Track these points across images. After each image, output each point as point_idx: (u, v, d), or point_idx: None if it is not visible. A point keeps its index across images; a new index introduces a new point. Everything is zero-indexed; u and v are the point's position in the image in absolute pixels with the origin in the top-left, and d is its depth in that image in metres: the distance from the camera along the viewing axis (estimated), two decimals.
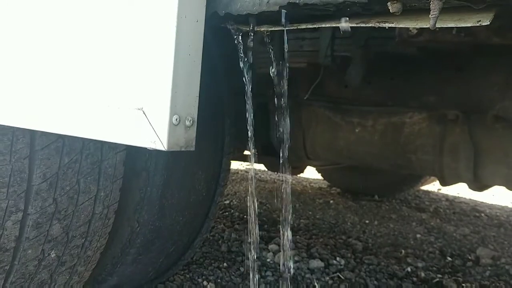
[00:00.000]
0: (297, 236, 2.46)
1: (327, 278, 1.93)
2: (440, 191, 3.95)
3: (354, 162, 1.86)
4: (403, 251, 2.34)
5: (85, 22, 0.68)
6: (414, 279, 1.98)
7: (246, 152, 2.77)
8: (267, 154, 2.49)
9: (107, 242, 1.23)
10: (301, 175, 4.35)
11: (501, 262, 2.22)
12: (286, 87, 0.73)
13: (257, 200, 3.41)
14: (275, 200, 3.32)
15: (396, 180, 3.39)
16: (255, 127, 2.42)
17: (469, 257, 2.28)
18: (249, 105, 0.76)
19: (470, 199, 3.72)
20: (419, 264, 2.13)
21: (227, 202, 3.27)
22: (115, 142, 0.63)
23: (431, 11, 0.50)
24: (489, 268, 2.15)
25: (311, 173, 4.30)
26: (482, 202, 3.67)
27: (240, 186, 3.86)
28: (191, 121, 0.61)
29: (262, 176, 4.49)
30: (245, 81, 0.74)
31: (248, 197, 1.04)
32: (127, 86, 0.61)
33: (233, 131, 1.50)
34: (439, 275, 2.02)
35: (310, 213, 3.04)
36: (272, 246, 2.21)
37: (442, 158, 1.55)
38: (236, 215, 2.96)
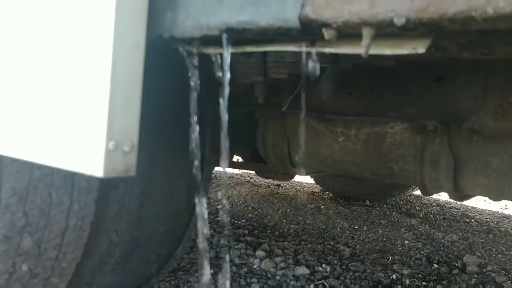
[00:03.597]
0: (286, 242, 2.46)
1: (312, 285, 1.93)
2: (432, 196, 3.95)
3: (338, 170, 1.86)
4: (390, 257, 2.34)
5: (26, 45, 0.69)
6: (399, 286, 1.99)
7: (235, 159, 2.77)
8: (255, 161, 2.51)
9: (84, 252, 1.23)
10: (295, 179, 4.36)
11: (488, 269, 2.22)
12: (226, 99, 0.73)
13: (249, 205, 3.42)
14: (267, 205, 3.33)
15: (387, 185, 3.40)
16: (243, 135, 2.41)
17: (456, 264, 2.29)
18: (192, 121, 0.76)
19: (461, 204, 3.73)
20: (405, 271, 2.13)
21: (220, 206, 3.27)
22: (54, 166, 0.63)
23: (363, 39, 0.51)
24: (475, 276, 2.15)
25: (305, 177, 4.31)
26: (473, 207, 3.68)
27: (233, 191, 3.86)
28: (130, 147, 0.62)
29: (257, 180, 4.50)
30: (192, 104, 0.75)
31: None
32: (66, 110, 0.62)
33: (215, 140, 1.50)
34: (424, 283, 2.03)
35: (301, 218, 3.04)
36: (259, 253, 2.21)
37: (423, 168, 1.55)
38: (227, 220, 2.97)
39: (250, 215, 3.12)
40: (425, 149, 1.52)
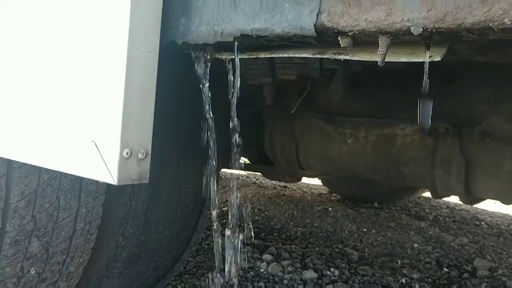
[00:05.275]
0: (293, 245, 2.44)
1: None
2: (441, 198, 3.91)
3: (347, 173, 1.84)
4: (399, 261, 2.31)
5: (38, 52, 0.68)
6: None
7: (241, 160, 2.76)
8: (262, 162, 2.49)
9: (91, 256, 1.22)
10: (302, 181, 4.33)
11: (498, 273, 2.19)
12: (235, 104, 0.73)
13: (255, 207, 3.41)
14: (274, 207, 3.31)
15: (396, 187, 3.36)
16: (250, 137, 2.40)
17: (466, 268, 2.26)
18: (209, 123, 0.75)
19: (471, 207, 3.68)
20: (415, 276, 2.10)
21: (226, 208, 3.25)
22: (70, 173, 0.62)
23: (379, 48, 0.50)
24: (486, 280, 2.12)
25: (311, 179, 4.27)
26: (483, 209, 3.62)
27: (239, 192, 3.84)
28: (144, 154, 0.61)
29: (263, 181, 4.47)
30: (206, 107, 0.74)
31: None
32: (82, 117, 0.61)
33: (222, 143, 1.49)
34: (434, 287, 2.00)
35: (308, 221, 3.02)
36: (266, 256, 2.20)
37: (434, 171, 1.53)
38: (234, 222, 2.95)
39: (256, 217, 3.10)
40: (436, 151, 1.50)
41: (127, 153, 0.58)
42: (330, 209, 3.32)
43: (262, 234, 2.69)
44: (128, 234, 1.26)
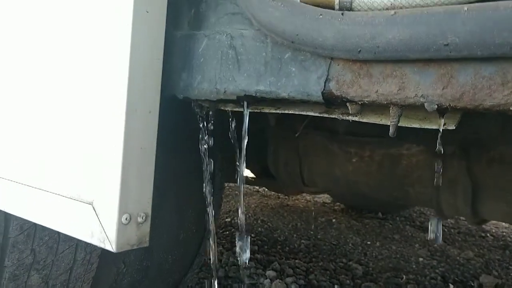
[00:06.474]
0: (297, 260, 2.42)
1: None
2: None
3: (351, 191, 1.82)
4: (404, 276, 2.28)
5: (37, 112, 0.67)
6: None
7: (245, 174, 2.73)
8: (266, 175, 2.47)
9: (92, 284, 1.20)
10: None
11: None
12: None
13: (258, 218, 3.38)
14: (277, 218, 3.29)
15: None
16: (254, 151, 2.37)
17: (472, 284, 2.22)
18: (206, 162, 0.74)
19: None
20: None
21: (228, 220, 3.23)
22: (66, 234, 0.60)
23: (390, 118, 0.47)
24: None
25: None
26: None
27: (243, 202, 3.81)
28: (144, 217, 0.58)
29: (266, 190, 4.44)
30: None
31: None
32: (80, 179, 0.59)
33: (224, 167, 1.47)
34: None
35: (312, 233, 2.99)
36: (269, 272, 2.17)
37: (440, 192, 1.50)
38: (237, 234, 2.92)
39: (259, 229, 3.07)
40: (443, 172, 1.47)
41: (126, 219, 0.56)
42: (334, 220, 3.29)
43: (266, 247, 2.66)
44: (129, 260, 1.24)
